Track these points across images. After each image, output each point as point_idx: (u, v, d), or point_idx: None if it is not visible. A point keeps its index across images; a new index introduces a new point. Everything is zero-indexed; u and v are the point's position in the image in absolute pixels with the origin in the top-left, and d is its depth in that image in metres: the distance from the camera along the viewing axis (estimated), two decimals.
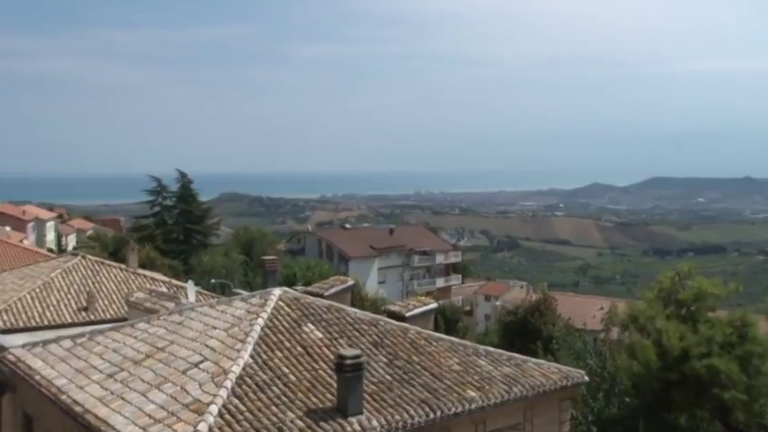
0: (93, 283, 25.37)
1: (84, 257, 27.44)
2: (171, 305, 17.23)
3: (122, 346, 14.15)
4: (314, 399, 11.73)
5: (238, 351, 12.44)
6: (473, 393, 13.11)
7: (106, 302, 24.57)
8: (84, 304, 23.98)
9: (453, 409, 12.49)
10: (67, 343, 15.10)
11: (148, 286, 24.08)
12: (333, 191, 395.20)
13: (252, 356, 12.37)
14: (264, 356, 12.53)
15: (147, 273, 29.52)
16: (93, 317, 23.46)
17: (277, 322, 13.66)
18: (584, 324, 35.59)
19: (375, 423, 11.44)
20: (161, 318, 15.22)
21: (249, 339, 12.79)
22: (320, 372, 12.50)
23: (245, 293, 16.38)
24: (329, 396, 11.79)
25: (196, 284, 25.77)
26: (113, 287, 25.67)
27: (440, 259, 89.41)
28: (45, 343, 15.35)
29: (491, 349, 15.31)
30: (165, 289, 23.27)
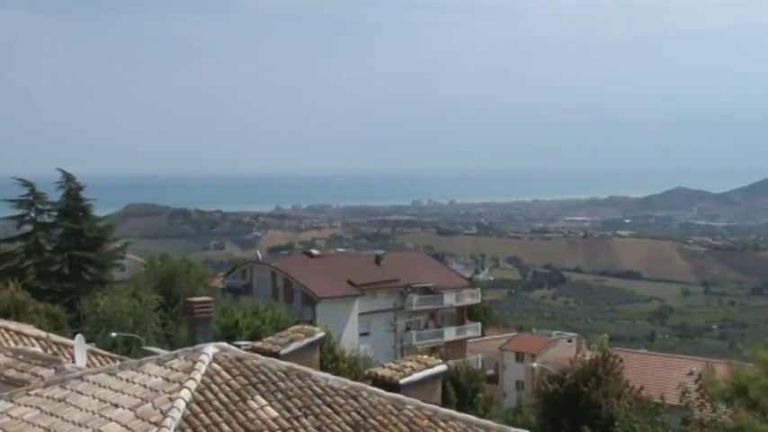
0: None
1: None
2: (48, 372, 17.08)
3: None
4: None
5: None
6: None
7: None
8: None
9: None
10: None
11: (12, 345, 23.83)
12: (293, 200, 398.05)
13: None
14: None
15: (12, 325, 29.28)
16: None
17: (211, 395, 13.64)
18: (663, 396, 35.74)
19: None
20: (32, 392, 15.06)
21: (168, 422, 12.70)
22: None
23: (162, 353, 16.32)
24: None
25: (88, 340, 25.64)
26: None
27: (449, 300, 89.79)
28: None
29: None
30: (38, 348, 23.06)
